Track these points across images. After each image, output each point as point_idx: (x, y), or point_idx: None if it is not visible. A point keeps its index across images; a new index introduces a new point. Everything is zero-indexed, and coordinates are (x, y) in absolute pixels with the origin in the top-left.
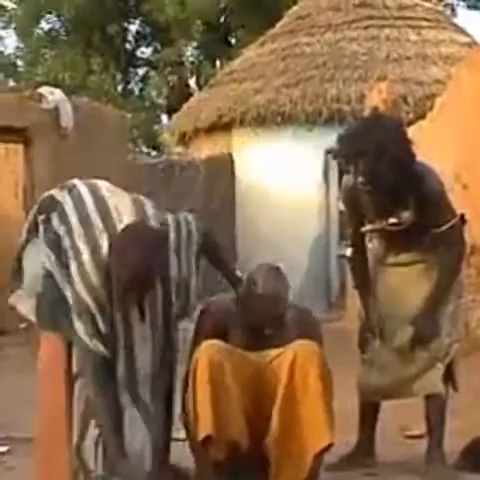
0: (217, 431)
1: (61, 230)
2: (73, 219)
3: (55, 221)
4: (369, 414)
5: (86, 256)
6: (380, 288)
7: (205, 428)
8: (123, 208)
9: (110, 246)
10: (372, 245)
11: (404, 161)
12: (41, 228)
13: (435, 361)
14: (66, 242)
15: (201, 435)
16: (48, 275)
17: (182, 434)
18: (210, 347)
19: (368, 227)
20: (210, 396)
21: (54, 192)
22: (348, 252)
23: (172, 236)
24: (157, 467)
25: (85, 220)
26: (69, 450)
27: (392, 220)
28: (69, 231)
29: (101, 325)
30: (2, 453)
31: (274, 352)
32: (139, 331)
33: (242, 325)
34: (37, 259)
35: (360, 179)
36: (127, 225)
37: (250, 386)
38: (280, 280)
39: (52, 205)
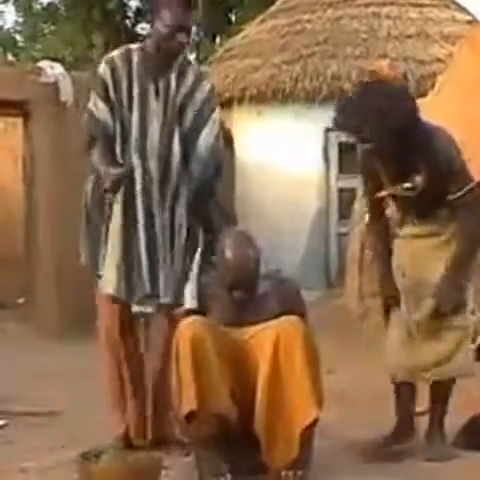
0: (201, 405)
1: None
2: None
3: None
4: (403, 392)
5: (116, 51)
6: (398, 260)
7: (189, 403)
8: None
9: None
10: (389, 214)
11: (408, 124)
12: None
13: (465, 340)
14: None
15: (185, 410)
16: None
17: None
18: (192, 323)
19: (383, 192)
20: (193, 371)
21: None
22: (366, 219)
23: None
24: None
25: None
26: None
27: (406, 185)
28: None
29: (112, 94)
30: (0, 427)
31: (256, 328)
32: (153, 108)
33: (223, 301)
34: None
35: (365, 147)
36: None
37: (233, 361)
38: (246, 244)
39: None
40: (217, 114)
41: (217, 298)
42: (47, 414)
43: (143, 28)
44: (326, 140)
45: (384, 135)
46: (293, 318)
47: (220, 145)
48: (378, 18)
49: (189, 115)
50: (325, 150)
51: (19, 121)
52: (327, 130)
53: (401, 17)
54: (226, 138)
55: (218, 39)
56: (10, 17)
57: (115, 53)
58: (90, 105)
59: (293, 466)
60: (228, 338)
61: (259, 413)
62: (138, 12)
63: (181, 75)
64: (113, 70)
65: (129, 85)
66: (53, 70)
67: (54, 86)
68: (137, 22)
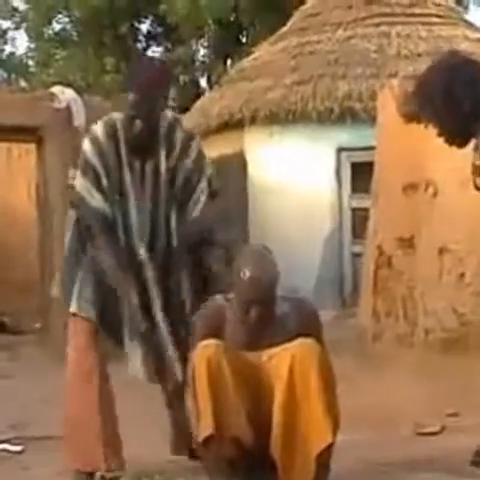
0: (218, 429)
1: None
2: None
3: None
4: None
5: (99, 128)
6: None
7: (206, 428)
8: None
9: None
10: None
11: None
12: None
13: None
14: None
15: (203, 435)
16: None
17: None
18: (207, 347)
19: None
20: (209, 394)
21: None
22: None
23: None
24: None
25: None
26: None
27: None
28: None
29: (104, 182)
30: (17, 452)
31: (273, 350)
32: (147, 188)
33: (239, 324)
34: None
35: (430, 124)
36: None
37: (249, 384)
38: (264, 258)
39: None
40: (205, 182)
41: (233, 321)
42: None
43: (154, 51)
44: (338, 160)
45: (444, 113)
46: (309, 341)
47: (208, 215)
48: (388, 37)
49: (178, 184)
50: (337, 170)
51: (32, 147)
52: (339, 150)
53: (411, 36)
54: (238, 160)
55: (229, 60)
56: (22, 43)
57: (99, 130)
58: (82, 192)
59: None
60: (244, 361)
61: (275, 436)
62: (149, 35)
63: (167, 143)
64: (101, 154)
65: (119, 168)
66: (65, 95)
67: (67, 111)
68: (148, 46)
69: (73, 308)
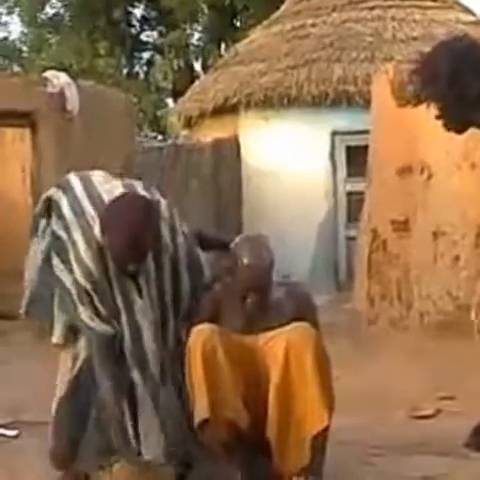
0: (214, 412)
1: (59, 228)
2: (69, 214)
3: (53, 220)
4: None
5: (81, 243)
6: None
7: (202, 411)
8: (115, 192)
9: (101, 215)
10: None
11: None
12: (40, 229)
13: None
14: (64, 237)
15: (197, 419)
16: (46, 265)
17: None
18: (203, 331)
19: None
20: (205, 378)
21: (51, 192)
22: None
23: (164, 207)
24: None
25: (79, 213)
26: None
27: None
28: (66, 226)
29: (99, 306)
30: (12, 437)
31: (268, 334)
32: (140, 306)
33: (235, 309)
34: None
35: (434, 108)
36: (117, 196)
37: (244, 368)
38: (260, 246)
39: (50, 206)
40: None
41: (229, 306)
42: None
43: (148, 36)
44: (333, 144)
45: (451, 96)
46: (304, 325)
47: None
48: (383, 21)
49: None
50: (332, 154)
51: (26, 131)
52: (334, 134)
53: (406, 19)
54: (233, 144)
55: (224, 45)
56: (15, 28)
57: (87, 255)
58: (84, 317)
59: (305, 472)
60: (240, 345)
61: (271, 419)
62: (143, 20)
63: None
64: (90, 276)
65: (110, 292)
66: (59, 80)
67: (60, 96)
68: (142, 30)
69: (57, 338)
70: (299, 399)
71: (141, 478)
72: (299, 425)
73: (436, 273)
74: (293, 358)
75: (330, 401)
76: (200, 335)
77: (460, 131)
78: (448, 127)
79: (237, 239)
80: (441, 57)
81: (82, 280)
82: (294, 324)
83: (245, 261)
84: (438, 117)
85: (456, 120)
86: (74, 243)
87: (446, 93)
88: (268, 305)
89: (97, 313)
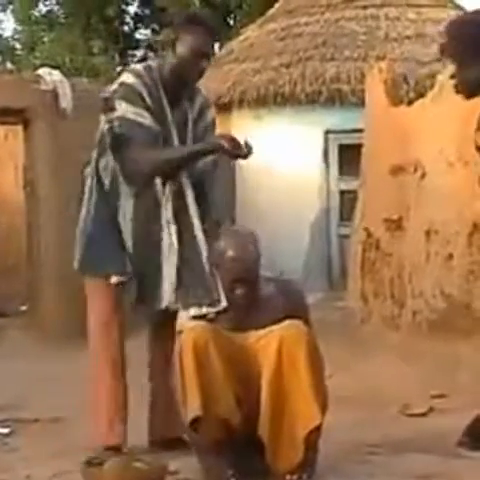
0: (206, 410)
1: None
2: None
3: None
4: None
5: (139, 68)
6: None
7: (193, 409)
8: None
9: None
10: None
11: None
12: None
13: None
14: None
15: (190, 417)
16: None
17: None
18: (194, 328)
19: None
20: (196, 376)
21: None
22: None
23: None
24: None
25: None
26: None
27: None
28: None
29: (148, 100)
30: (5, 434)
31: (260, 332)
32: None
33: (227, 306)
34: None
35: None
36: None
37: (236, 366)
38: (245, 238)
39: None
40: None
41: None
42: (51, 421)
43: (141, 34)
44: (326, 142)
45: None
46: (297, 322)
47: (215, 172)
48: (376, 20)
49: (190, 139)
50: (325, 152)
51: (19, 129)
52: (327, 132)
53: (399, 18)
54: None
55: (217, 43)
56: (9, 25)
57: (139, 67)
58: (129, 115)
59: (298, 470)
60: (231, 342)
61: (263, 417)
62: (137, 18)
63: (190, 101)
64: (145, 84)
65: (160, 105)
66: (52, 77)
67: (53, 93)
68: (136, 28)
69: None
70: (292, 397)
71: (132, 473)
72: (292, 423)
73: (429, 271)
74: (286, 356)
75: (323, 399)
76: (191, 332)
77: (469, 96)
78: (458, 89)
79: (222, 232)
80: (467, 21)
81: (140, 88)
82: (287, 322)
83: (230, 253)
84: (452, 76)
85: (470, 82)
86: (139, 73)
87: (467, 60)
88: (258, 300)
89: (151, 113)
